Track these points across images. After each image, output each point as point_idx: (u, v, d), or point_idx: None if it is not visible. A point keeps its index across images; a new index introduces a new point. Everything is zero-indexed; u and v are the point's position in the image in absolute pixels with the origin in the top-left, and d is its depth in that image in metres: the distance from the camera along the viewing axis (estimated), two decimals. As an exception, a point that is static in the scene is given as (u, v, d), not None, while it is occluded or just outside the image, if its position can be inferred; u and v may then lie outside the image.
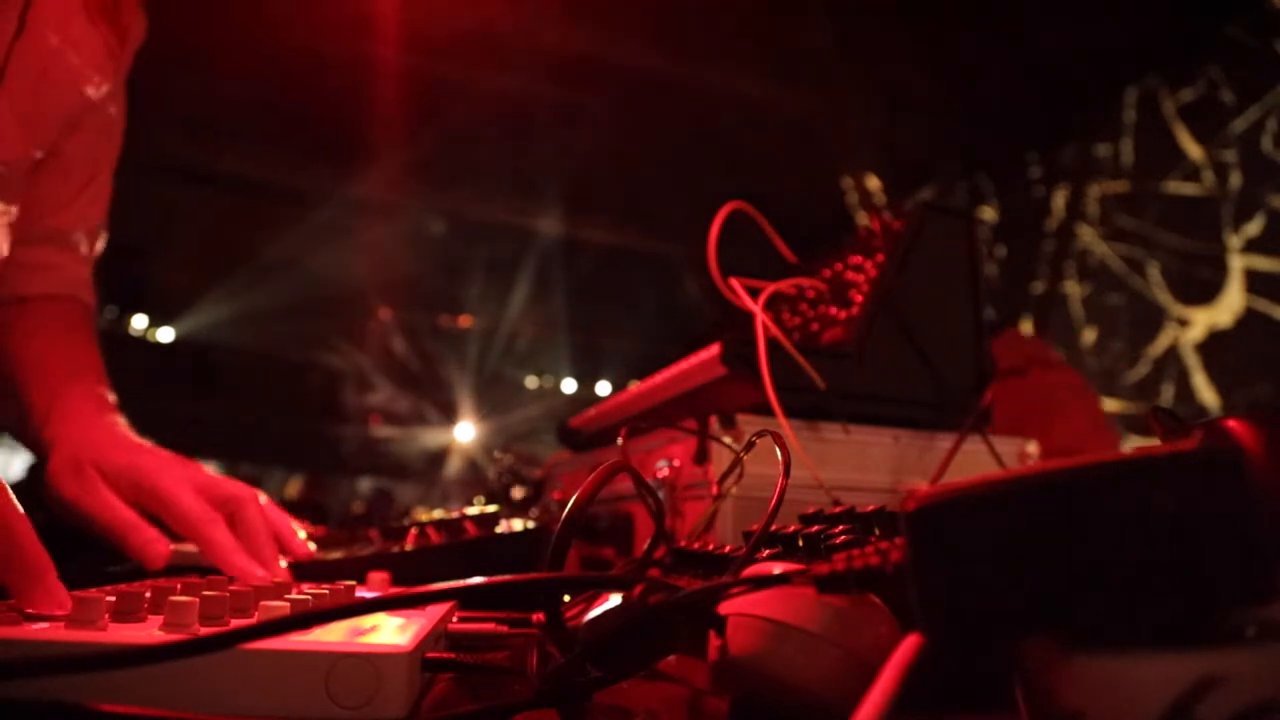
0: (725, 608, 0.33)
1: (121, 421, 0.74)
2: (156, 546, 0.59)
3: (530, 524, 0.77)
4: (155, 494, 0.62)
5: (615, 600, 0.32)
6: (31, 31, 0.68)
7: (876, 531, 0.41)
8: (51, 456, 0.66)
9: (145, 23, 0.85)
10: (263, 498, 0.68)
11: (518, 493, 1.20)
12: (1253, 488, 0.21)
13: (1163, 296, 3.09)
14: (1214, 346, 2.93)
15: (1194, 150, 3.09)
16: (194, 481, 0.64)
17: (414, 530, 0.77)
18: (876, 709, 0.20)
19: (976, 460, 0.73)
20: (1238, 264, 2.92)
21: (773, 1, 3.11)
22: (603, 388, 6.60)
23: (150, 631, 0.34)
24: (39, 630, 0.32)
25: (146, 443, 0.70)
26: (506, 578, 0.30)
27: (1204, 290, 3.00)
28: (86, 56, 0.76)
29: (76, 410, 0.72)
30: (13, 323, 0.82)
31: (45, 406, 0.72)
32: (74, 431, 0.68)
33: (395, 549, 0.74)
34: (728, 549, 0.44)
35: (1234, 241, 2.93)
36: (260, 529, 0.64)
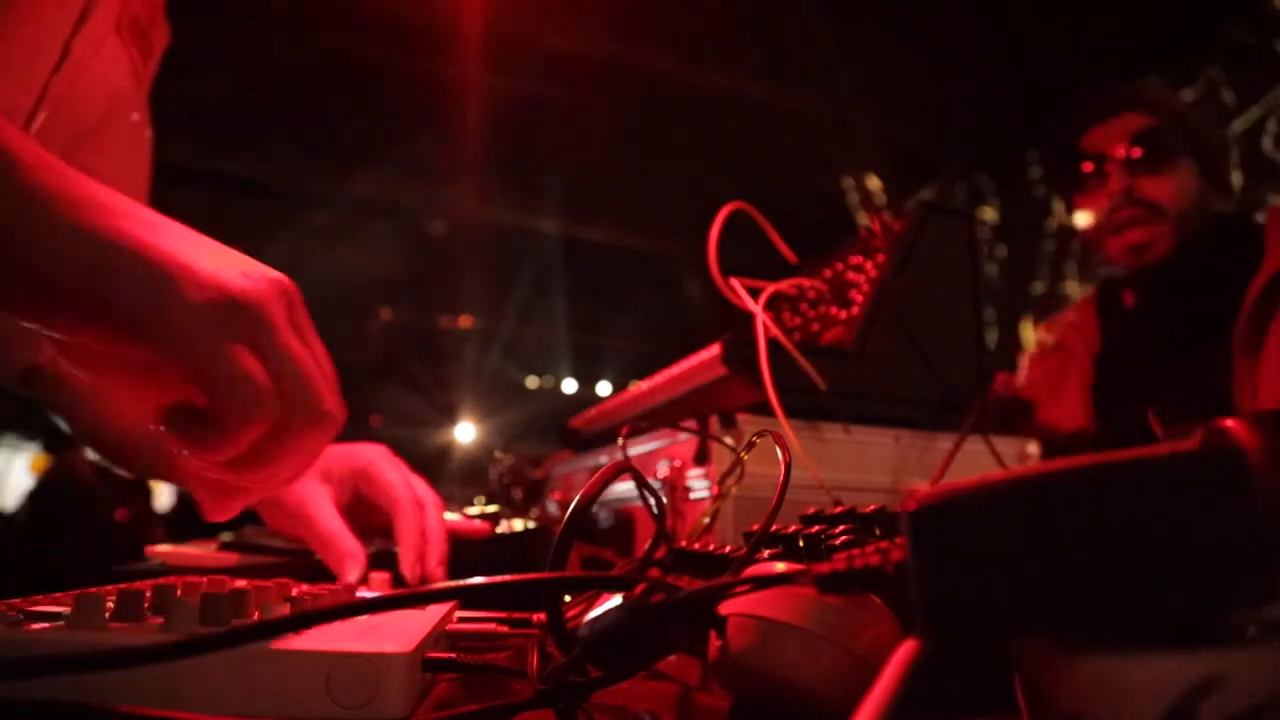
0: (725, 608, 0.33)
1: None
2: (349, 562, 0.62)
3: (530, 524, 0.77)
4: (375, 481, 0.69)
5: (616, 600, 0.32)
6: (73, 59, 0.66)
7: (877, 531, 0.41)
8: None
9: (168, 31, 0.84)
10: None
11: (518, 493, 1.20)
12: (1253, 488, 0.20)
13: (1163, 296, 3.08)
14: (1214, 346, 2.92)
15: (1194, 150, 3.09)
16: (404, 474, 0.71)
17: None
18: (876, 711, 0.20)
19: (976, 460, 0.73)
20: (1238, 264, 2.91)
21: (773, 1, 3.11)
22: (603, 388, 6.60)
23: (150, 631, 0.34)
24: (39, 630, 0.32)
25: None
26: (507, 578, 0.30)
27: (1204, 290, 2.99)
28: (112, 73, 0.74)
29: None
30: None
31: None
32: None
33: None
34: (728, 549, 0.44)
35: (1234, 241, 2.92)
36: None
